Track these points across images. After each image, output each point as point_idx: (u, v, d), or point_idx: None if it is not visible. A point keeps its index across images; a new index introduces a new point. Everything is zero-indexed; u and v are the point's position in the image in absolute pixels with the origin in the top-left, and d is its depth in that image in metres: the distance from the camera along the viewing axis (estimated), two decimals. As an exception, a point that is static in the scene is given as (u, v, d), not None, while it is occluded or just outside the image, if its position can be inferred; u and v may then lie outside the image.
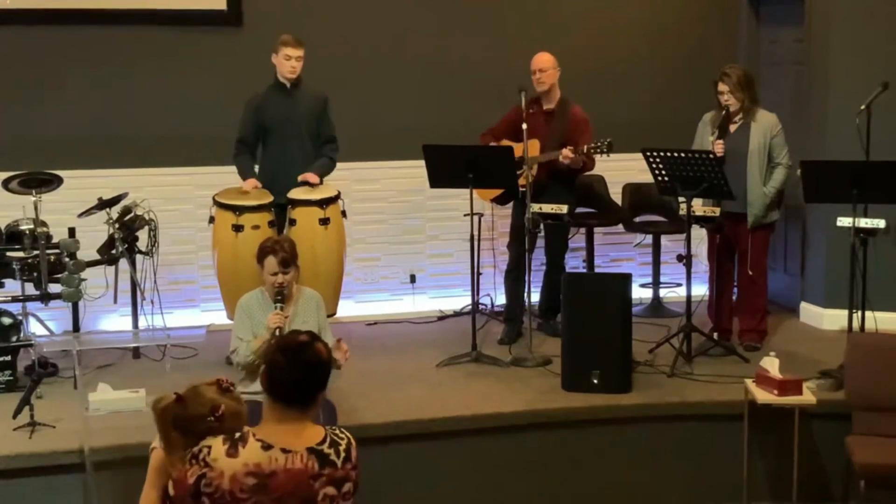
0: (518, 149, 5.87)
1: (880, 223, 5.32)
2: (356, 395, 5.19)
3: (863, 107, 5.46)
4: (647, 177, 5.87)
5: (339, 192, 5.87)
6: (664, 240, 7.03)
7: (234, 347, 4.62)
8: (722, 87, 5.80)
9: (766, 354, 4.97)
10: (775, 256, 6.92)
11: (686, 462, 5.15)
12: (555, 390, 5.33)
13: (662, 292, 7.03)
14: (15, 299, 5.67)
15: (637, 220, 7.07)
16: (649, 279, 7.07)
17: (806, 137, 6.46)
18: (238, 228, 5.62)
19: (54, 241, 5.68)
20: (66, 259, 5.56)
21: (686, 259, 5.66)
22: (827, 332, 6.32)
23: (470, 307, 6.17)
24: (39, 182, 5.66)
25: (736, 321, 6.14)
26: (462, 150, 5.85)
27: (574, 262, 7.15)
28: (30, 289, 5.70)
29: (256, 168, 5.93)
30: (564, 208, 5.86)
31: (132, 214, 5.81)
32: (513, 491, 5.04)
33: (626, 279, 5.41)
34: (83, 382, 4.86)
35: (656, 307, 6.95)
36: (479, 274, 6.45)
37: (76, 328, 5.87)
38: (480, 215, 6.20)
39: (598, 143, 5.86)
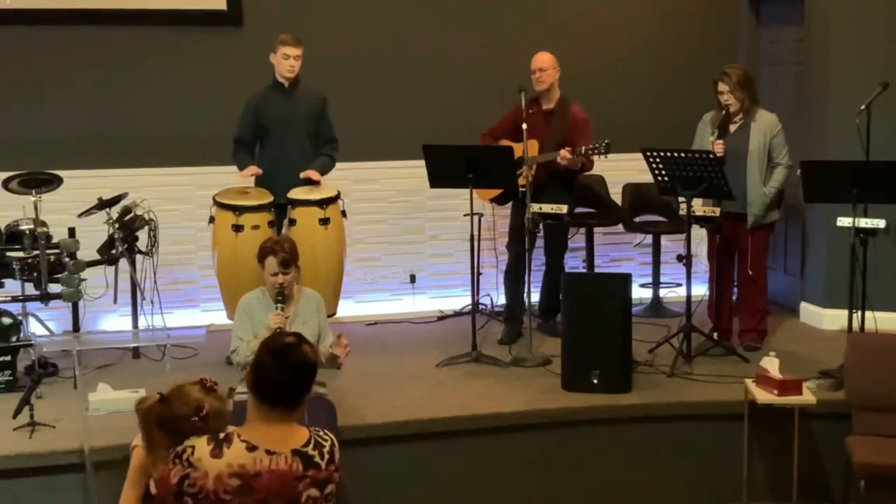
0: (518, 149, 5.87)
1: (880, 223, 5.32)
2: (356, 395, 5.19)
3: (863, 107, 5.46)
4: (647, 177, 5.87)
5: (339, 192, 5.87)
6: (664, 240, 7.03)
7: (235, 347, 4.61)
8: (722, 87, 5.80)
9: (766, 354, 4.98)
10: (775, 256, 6.92)
11: (686, 462, 5.15)
12: (555, 390, 5.33)
13: (662, 292, 7.03)
14: (15, 299, 5.67)
15: (637, 220, 7.07)
16: (649, 279, 7.07)
17: (806, 137, 6.46)
18: (238, 228, 5.62)
19: (54, 241, 5.67)
20: (66, 259, 5.56)
21: (686, 259, 5.66)
22: (827, 332, 6.32)
23: (470, 307, 6.17)
24: (39, 182, 5.65)
25: (736, 321, 6.14)
26: (462, 150, 5.85)
27: (574, 262, 7.15)
28: (30, 289, 5.70)
29: None
30: (564, 208, 5.86)
31: (132, 214, 5.81)
32: (513, 491, 5.04)
33: (626, 279, 5.41)
34: (83, 382, 4.87)
35: (656, 307, 6.95)
36: (479, 274, 6.45)
37: (76, 328, 5.87)
38: (480, 215, 6.20)
39: (596, 145, 5.86)
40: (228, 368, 5.03)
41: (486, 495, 5.01)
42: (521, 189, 5.93)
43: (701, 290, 6.13)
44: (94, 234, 5.86)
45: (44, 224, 5.63)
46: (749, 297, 6.04)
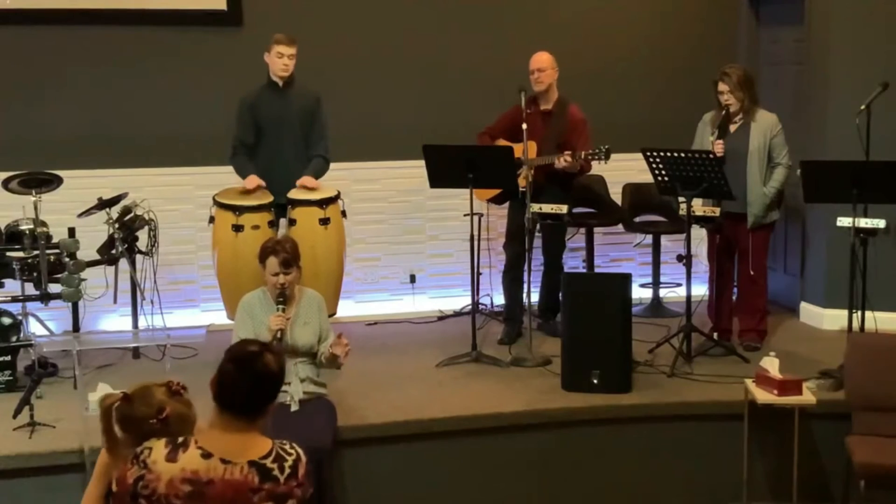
0: (517, 149, 5.86)
1: (880, 223, 5.32)
2: (356, 395, 5.19)
3: (863, 107, 5.46)
4: (647, 177, 5.87)
5: (339, 192, 5.87)
6: (664, 240, 7.03)
7: (235, 348, 4.61)
8: (722, 87, 5.80)
9: (766, 354, 4.97)
10: (775, 256, 6.92)
11: (686, 462, 5.15)
12: (555, 390, 5.33)
13: (662, 292, 7.03)
14: (15, 299, 5.68)
15: (637, 220, 7.07)
16: (649, 279, 7.07)
17: (806, 137, 6.46)
18: (238, 228, 5.61)
19: (54, 241, 5.68)
20: (66, 259, 5.56)
21: (686, 259, 5.65)
22: (827, 332, 6.32)
23: (470, 307, 6.17)
24: (39, 182, 5.66)
25: (736, 321, 6.14)
26: (462, 150, 5.85)
27: (574, 262, 7.15)
28: (30, 289, 5.70)
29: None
30: (564, 208, 5.86)
31: (132, 214, 5.81)
32: (513, 491, 5.04)
33: (626, 279, 5.41)
34: (83, 382, 4.86)
35: (656, 307, 6.95)
36: (479, 274, 6.44)
37: (76, 328, 5.87)
38: (480, 215, 6.20)
39: (597, 151, 5.86)
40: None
41: (486, 495, 5.01)
42: (521, 189, 5.92)
43: (701, 290, 6.13)
44: (94, 234, 5.86)
45: (44, 224, 5.63)
46: (749, 297, 6.04)
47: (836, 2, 6.36)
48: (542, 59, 6.12)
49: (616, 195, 7.10)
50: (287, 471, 2.69)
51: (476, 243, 6.11)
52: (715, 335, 5.99)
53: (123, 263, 5.81)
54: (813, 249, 6.62)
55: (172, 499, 2.62)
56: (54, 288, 5.59)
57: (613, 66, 7.17)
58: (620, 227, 7.09)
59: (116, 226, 5.70)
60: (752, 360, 5.52)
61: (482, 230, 6.52)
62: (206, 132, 6.39)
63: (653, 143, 5.75)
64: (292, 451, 2.74)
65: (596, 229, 7.01)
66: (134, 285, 5.90)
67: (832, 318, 6.27)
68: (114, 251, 5.72)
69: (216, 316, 6.28)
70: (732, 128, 5.86)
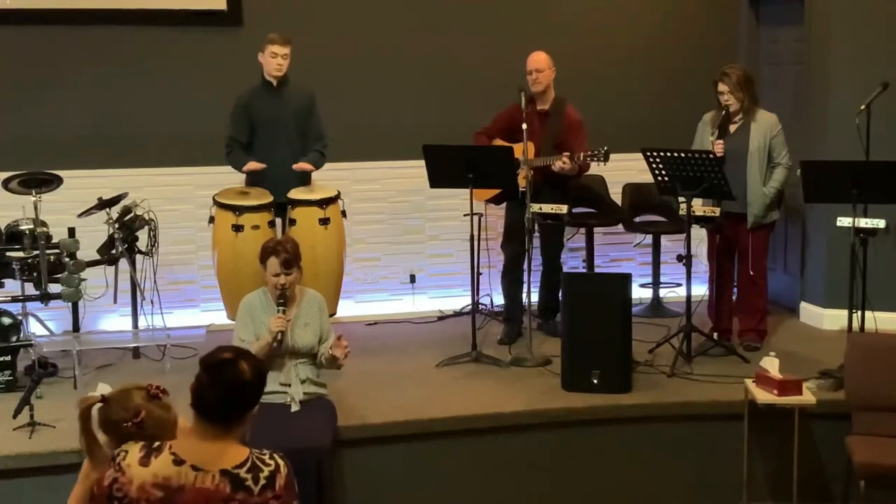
0: (517, 149, 5.86)
1: (880, 223, 5.32)
2: (356, 395, 5.19)
3: (863, 107, 5.46)
4: (647, 177, 5.87)
5: (339, 192, 5.87)
6: (664, 240, 7.03)
7: (235, 348, 4.60)
8: (722, 87, 5.80)
9: (766, 354, 4.97)
10: (775, 256, 6.92)
11: (686, 462, 5.15)
12: (555, 390, 5.33)
13: (662, 292, 7.03)
14: (15, 299, 5.68)
15: (637, 220, 7.07)
16: (649, 279, 7.07)
17: (806, 137, 6.46)
18: (238, 228, 5.61)
19: (54, 241, 5.68)
20: (66, 259, 5.56)
21: (686, 259, 5.65)
22: (827, 332, 6.32)
23: (470, 307, 6.17)
24: (39, 182, 5.65)
25: (736, 321, 6.14)
26: (462, 150, 5.85)
27: (574, 262, 7.16)
28: (30, 289, 5.70)
29: None
30: (564, 208, 5.86)
31: (132, 214, 5.81)
32: (513, 491, 5.03)
33: (626, 279, 5.41)
34: (83, 382, 4.87)
35: (656, 307, 6.95)
36: (479, 274, 6.44)
37: (76, 328, 5.87)
38: (480, 215, 6.20)
39: (596, 152, 5.86)
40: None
41: (486, 495, 5.01)
42: (521, 190, 5.92)
43: (701, 290, 6.13)
44: (94, 234, 5.86)
45: (44, 224, 5.63)
46: (749, 297, 6.04)
47: (836, 2, 6.35)
48: (539, 60, 6.11)
49: (616, 195, 7.10)
50: (262, 482, 2.64)
51: (476, 243, 6.11)
52: (715, 335, 5.99)
53: (123, 263, 5.81)
54: (813, 249, 6.62)
55: (143, 503, 2.61)
56: (54, 288, 5.59)
57: (613, 66, 7.17)
58: (620, 227, 7.09)
59: (116, 226, 5.70)
60: (752, 360, 5.52)
61: (482, 230, 6.52)
62: (206, 132, 6.39)
63: (653, 143, 5.75)
64: (270, 462, 2.69)
65: (596, 229, 7.01)
66: (134, 285, 5.90)
67: (832, 318, 6.27)
68: (114, 251, 5.72)
69: (216, 316, 6.28)
70: (732, 128, 5.86)
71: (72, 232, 5.84)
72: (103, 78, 6.53)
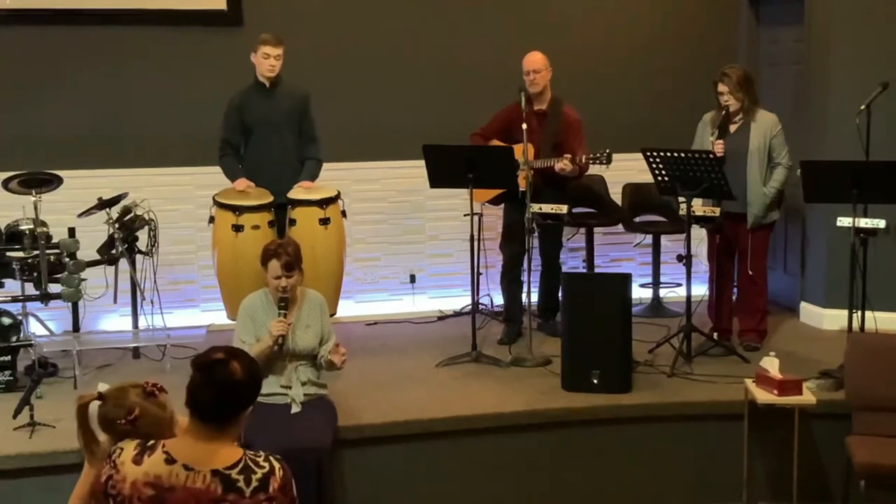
0: (517, 149, 5.86)
1: (880, 223, 5.32)
2: (356, 395, 5.19)
3: (863, 107, 5.46)
4: (647, 177, 5.87)
5: (339, 192, 5.87)
6: (664, 240, 7.03)
7: (236, 349, 4.60)
8: (722, 87, 5.80)
9: (766, 354, 4.97)
10: (775, 256, 6.92)
11: (686, 462, 5.15)
12: (555, 390, 5.33)
13: (662, 292, 7.03)
14: (15, 299, 5.68)
15: (637, 220, 7.07)
16: (649, 279, 7.07)
17: (806, 137, 6.46)
18: (238, 228, 5.61)
19: (54, 241, 5.68)
20: (66, 259, 5.56)
21: (686, 259, 5.65)
22: (827, 332, 6.32)
23: (470, 307, 6.17)
24: (39, 182, 5.66)
25: (736, 321, 6.14)
26: (462, 150, 5.85)
27: (574, 262, 7.16)
28: (30, 289, 5.70)
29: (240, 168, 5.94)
30: (564, 208, 5.86)
31: (132, 214, 5.81)
32: (513, 491, 5.03)
33: (626, 279, 5.41)
34: (83, 382, 4.87)
35: (656, 307, 6.95)
36: (479, 274, 6.44)
37: (76, 328, 5.87)
38: (480, 215, 6.20)
39: (598, 155, 5.86)
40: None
41: (486, 495, 5.00)
42: (521, 190, 5.92)
43: (701, 290, 6.13)
44: (94, 234, 5.86)
45: (44, 224, 5.63)
46: (749, 297, 6.04)
47: (836, 2, 6.36)
48: (536, 60, 6.11)
49: (616, 195, 7.10)
50: (254, 483, 2.62)
51: (476, 243, 6.11)
52: (715, 335, 5.99)
53: (123, 263, 5.81)
54: (813, 249, 6.62)
55: (136, 501, 2.62)
56: (54, 288, 5.59)
57: (613, 66, 7.17)
58: (620, 227, 7.09)
59: (116, 226, 5.70)
60: (752, 360, 5.52)
61: (483, 230, 6.52)
62: (206, 132, 6.38)
63: (653, 143, 5.75)
64: (265, 465, 2.67)
65: (596, 229, 7.01)
66: (134, 285, 5.90)
67: (832, 318, 6.27)
68: (114, 251, 5.73)
69: (216, 316, 6.28)
70: (732, 128, 5.86)
71: (72, 232, 5.84)
72: (103, 78, 6.53)
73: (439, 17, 6.98)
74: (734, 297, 6.17)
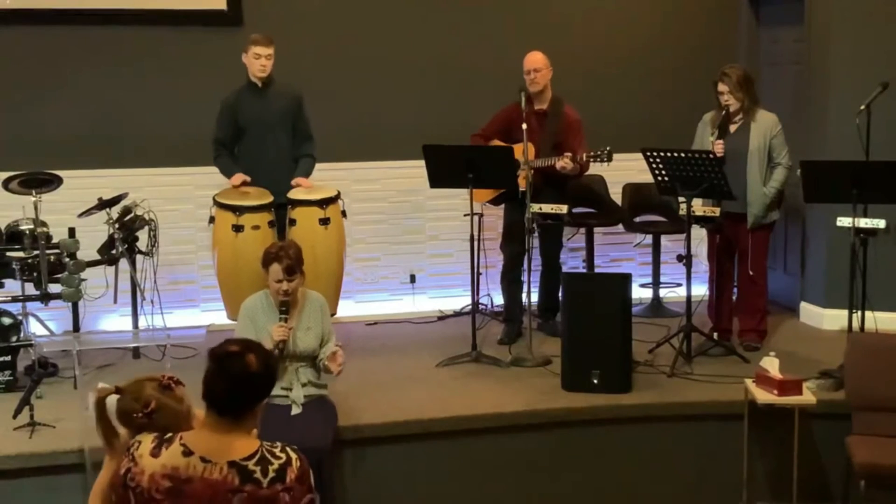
0: (517, 149, 5.86)
1: (880, 223, 5.32)
2: (356, 395, 5.19)
3: (863, 107, 5.46)
4: (647, 177, 5.87)
5: (339, 192, 5.87)
6: (664, 240, 7.03)
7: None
8: (722, 87, 5.80)
9: (766, 354, 4.97)
10: (775, 256, 6.92)
11: (686, 462, 5.15)
12: (555, 390, 5.33)
13: (662, 292, 7.03)
14: (15, 299, 5.68)
15: (637, 220, 7.07)
16: (649, 279, 7.07)
17: (806, 137, 6.46)
18: (238, 228, 5.62)
19: (54, 241, 5.68)
20: (66, 259, 5.56)
21: (686, 259, 5.65)
22: (827, 332, 6.32)
23: (470, 307, 6.17)
24: (39, 182, 5.66)
25: (736, 321, 6.14)
26: (462, 150, 5.85)
27: (574, 262, 7.15)
28: (30, 289, 5.70)
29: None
30: (564, 208, 5.86)
31: (132, 214, 5.81)
32: (513, 491, 5.03)
33: (626, 279, 5.41)
34: (83, 382, 4.86)
35: (656, 307, 6.95)
36: (479, 274, 6.44)
37: (76, 328, 5.87)
38: (480, 215, 6.20)
39: (599, 153, 5.86)
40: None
41: (486, 495, 5.00)
42: (521, 190, 5.92)
43: (701, 290, 6.13)
44: (94, 234, 5.86)
45: (44, 224, 5.63)
46: (749, 297, 6.04)
47: (836, 2, 6.36)
48: (536, 60, 6.11)
49: (616, 195, 7.10)
50: (271, 474, 2.63)
51: (476, 243, 6.11)
52: (715, 335, 5.99)
53: (123, 263, 5.81)
54: (813, 249, 6.62)
55: (154, 493, 2.63)
56: (54, 288, 5.59)
57: (613, 66, 7.17)
58: (620, 227, 7.09)
59: (116, 226, 5.70)
60: (752, 360, 5.52)
61: (483, 230, 6.52)
62: (206, 132, 6.36)
63: (653, 143, 5.75)
64: (281, 455, 2.68)
65: (596, 229, 7.01)
66: (134, 285, 5.90)
67: (832, 318, 6.27)
68: (114, 251, 5.73)
69: (216, 316, 6.28)
70: (732, 128, 5.86)
71: (72, 232, 5.84)
72: (103, 78, 6.53)
73: (439, 18, 6.98)
74: (734, 297, 6.17)
